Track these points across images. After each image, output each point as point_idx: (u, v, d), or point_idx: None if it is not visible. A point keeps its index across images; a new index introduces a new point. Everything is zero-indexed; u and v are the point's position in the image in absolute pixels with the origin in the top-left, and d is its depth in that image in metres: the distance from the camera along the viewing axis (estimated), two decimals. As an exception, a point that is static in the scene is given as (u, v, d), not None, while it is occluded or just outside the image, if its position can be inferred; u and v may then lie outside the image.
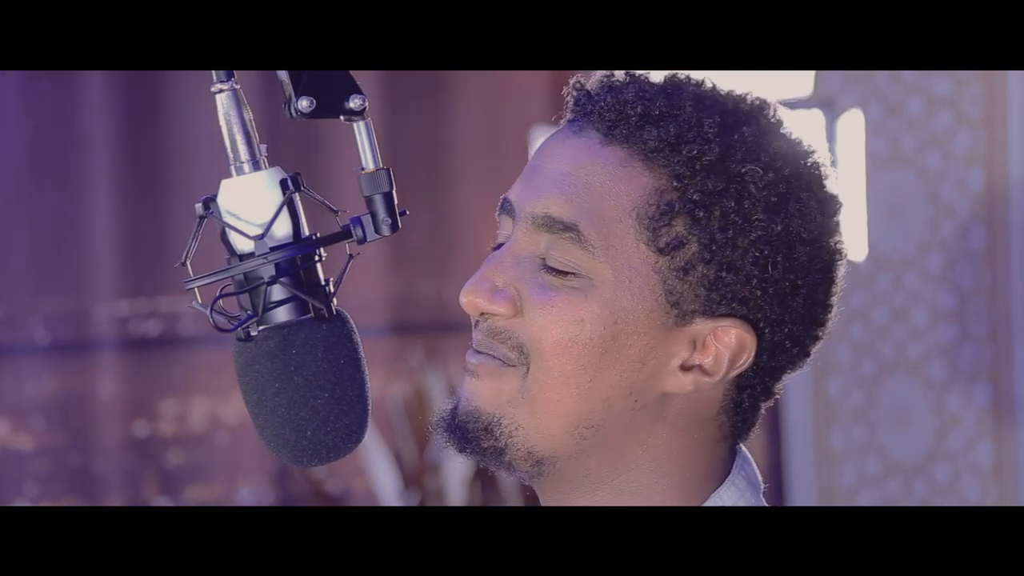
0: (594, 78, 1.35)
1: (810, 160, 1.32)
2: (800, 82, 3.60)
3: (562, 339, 1.29)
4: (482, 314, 1.31)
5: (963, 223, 3.79)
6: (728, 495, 1.33)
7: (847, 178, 3.53)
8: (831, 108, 3.47)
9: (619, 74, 1.34)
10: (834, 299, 1.35)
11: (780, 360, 1.33)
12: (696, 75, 1.35)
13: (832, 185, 1.34)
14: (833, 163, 1.36)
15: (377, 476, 3.90)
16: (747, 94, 1.34)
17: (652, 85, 1.32)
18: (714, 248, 1.27)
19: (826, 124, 3.41)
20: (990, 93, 3.74)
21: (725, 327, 1.29)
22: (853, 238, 3.45)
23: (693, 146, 1.28)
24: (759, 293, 1.29)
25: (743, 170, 1.28)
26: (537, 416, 1.30)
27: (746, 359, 1.30)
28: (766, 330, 1.30)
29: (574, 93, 1.35)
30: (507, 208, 1.34)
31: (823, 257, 1.32)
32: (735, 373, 1.30)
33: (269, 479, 4.05)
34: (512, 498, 3.88)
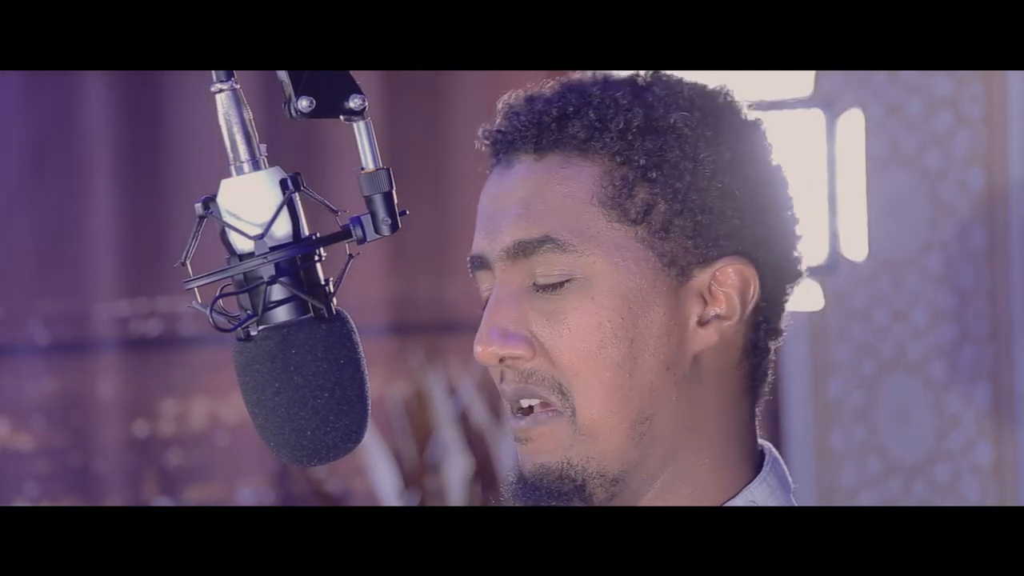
0: (499, 117, 1.37)
1: (723, 95, 1.35)
2: (800, 82, 3.60)
3: (591, 351, 1.29)
4: (501, 360, 1.31)
5: (963, 223, 3.79)
6: (759, 491, 1.34)
7: (847, 178, 3.53)
8: (831, 108, 3.47)
9: (514, 98, 1.37)
10: (797, 213, 1.37)
11: (780, 279, 1.34)
12: (589, 73, 1.37)
13: (749, 111, 1.37)
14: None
15: (377, 476, 3.90)
16: (639, 71, 1.37)
17: (552, 91, 1.36)
18: (680, 198, 1.30)
19: (826, 124, 3.41)
20: (990, 93, 3.74)
21: (722, 267, 1.31)
22: (853, 238, 3.45)
23: (618, 119, 1.31)
24: (738, 222, 1.31)
25: (671, 120, 1.31)
26: (599, 439, 1.30)
27: (754, 290, 1.32)
28: (759, 255, 1.32)
29: (487, 140, 1.37)
30: (478, 264, 1.35)
31: (774, 170, 1.35)
32: (750, 308, 1.32)
33: (269, 479, 4.05)
34: (512, 498, 3.88)
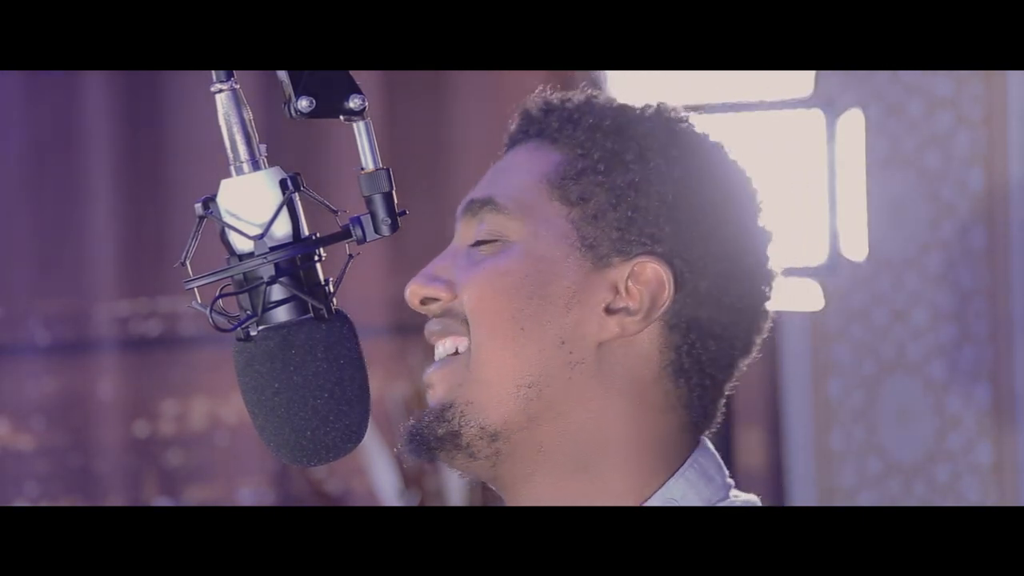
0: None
1: (712, 138, 1.41)
2: (800, 82, 3.60)
3: (487, 292, 1.35)
4: (423, 303, 1.38)
5: (963, 223, 3.79)
6: (677, 487, 1.34)
7: (847, 178, 3.53)
8: (831, 108, 3.47)
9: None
10: (771, 262, 1.39)
11: (713, 314, 1.36)
12: None
13: (746, 169, 1.41)
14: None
15: (377, 476, 3.90)
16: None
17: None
18: (619, 193, 1.35)
19: (826, 124, 3.41)
20: (990, 93, 3.74)
21: (641, 263, 1.35)
22: (853, 238, 3.45)
23: (590, 117, 1.39)
24: (668, 229, 1.35)
25: (640, 130, 1.38)
26: (482, 384, 1.34)
27: (667, 296, 1.34)
28: (685, 271, 1.35)
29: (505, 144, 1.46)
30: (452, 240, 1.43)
31: (738, 205, 1.38)
32: (659, 311, 1.34)
33: (269, 479, 4.05)
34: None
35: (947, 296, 3.81)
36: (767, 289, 1.39)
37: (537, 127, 1.41)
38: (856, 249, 3.47)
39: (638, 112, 1.40)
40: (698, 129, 1.40)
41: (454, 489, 3.90)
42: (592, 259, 1.35)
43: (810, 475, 3.97)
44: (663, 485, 1.34)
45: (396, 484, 3.90)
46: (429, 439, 1.35)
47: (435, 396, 1.37)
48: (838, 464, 3.96)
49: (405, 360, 4.13)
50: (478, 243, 1.38)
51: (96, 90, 3.86)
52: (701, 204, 1.36)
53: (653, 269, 1.34)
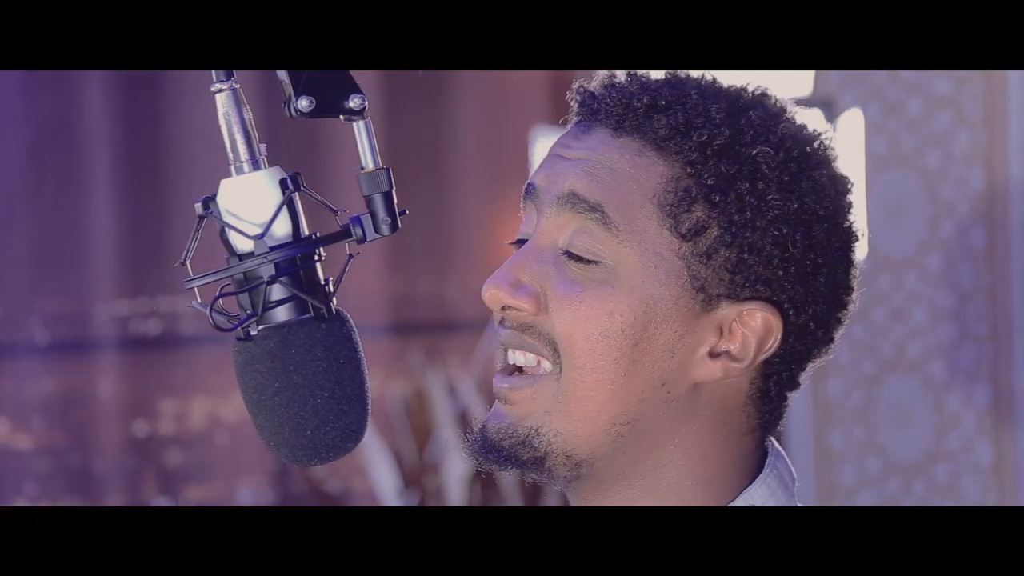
0: (596, 80, 1.35)
1: (817, 141, 1.33)
2: (800, 82, 3.60)
3: (593, 334, 1.28)
4: (504, 309, 1.31)
5: (963, 223, 3.79)
6: (758, 493, 1.33)
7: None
8: (831, 108, 3.47)
9: (620, 74, 1.35)
10: (854, 280, 1.35)
11: (806, 343, 1.33)
12: (697, 73, 1.35)
13: (841, 165, 1.34)
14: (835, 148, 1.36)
15: (377, 476, 3.90)
16: (748, 84, 1.35)
17: (655, 80, 1.33)
18: (734, 231, 1.27)
19: (826, 124, 3.41)
20: (990, 93, 3.74)
21: (750, 310, 1.29)
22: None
23: (703, 131, 1.28)
24: (781, 273, 1.29)
25: (754, 152, 1.28)
26: (574, 418, 1.29)
27: (773, 342, 1.30)
28: (791, 312, 1.30)
29: (577, 96, 1.35)
30: (531, 193, 1.33)
31: (840, 235, 1.32)
32: (763, 358, 1.30)
33: (269, 479, 4.06)
34: (512, 498, 3.89)
35: (947, 296, 3.81)
36: (855, 287, 1.35)
37: (635, 123, 1.29)
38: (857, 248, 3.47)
39: (745, 116, 1.30)
40: (804, 129, 1.32)
41: (454, 489, 3.90)
42: (701, 302, 1.29)
43: (810, 475, 3.97)
44: (745, 489, 1.32)
45: (396, 484, 3.90)
46: (511, 461, 1.30)
47: (514, 414, 1.31)
48: (838, 464, 3.96)
49: (405, 360, 4.13)
50: (574, 255, 1.29)
51: (96, 90, 3.86)
52: (813, 238, 1.29)
53: (764, 319, 1.29)
